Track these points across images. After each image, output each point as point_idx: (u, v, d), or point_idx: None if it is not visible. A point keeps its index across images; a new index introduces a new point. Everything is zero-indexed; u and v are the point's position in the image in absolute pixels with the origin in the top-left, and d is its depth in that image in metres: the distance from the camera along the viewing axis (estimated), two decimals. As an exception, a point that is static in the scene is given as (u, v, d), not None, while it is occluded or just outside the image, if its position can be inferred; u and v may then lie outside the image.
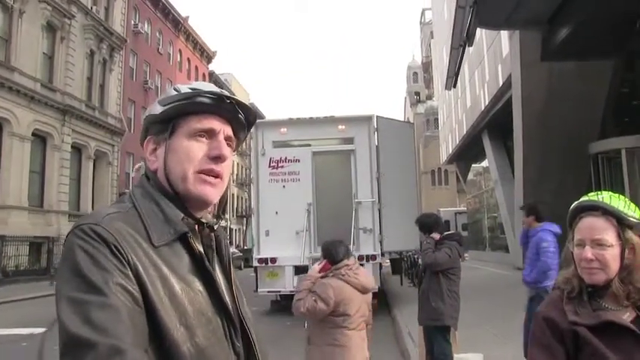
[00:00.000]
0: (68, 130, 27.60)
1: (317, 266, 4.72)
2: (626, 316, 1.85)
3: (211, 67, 51.22)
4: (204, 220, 1.40)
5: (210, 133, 1.39)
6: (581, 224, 1.94)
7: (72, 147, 28.16)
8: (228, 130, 1.42)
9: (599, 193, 1.99)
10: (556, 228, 6.48)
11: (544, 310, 1.97)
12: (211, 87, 1.42)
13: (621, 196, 1.97)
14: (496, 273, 22.01)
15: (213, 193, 1.38)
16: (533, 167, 17.85)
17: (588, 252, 1.88)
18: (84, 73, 29.41)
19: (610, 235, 1.87)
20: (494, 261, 28.13)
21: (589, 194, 2.02)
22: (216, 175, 1.38)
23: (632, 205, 1.93)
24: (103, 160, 31.46)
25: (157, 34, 39.51)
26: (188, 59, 45.54)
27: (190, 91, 1.39)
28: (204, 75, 48.74)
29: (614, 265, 1.86)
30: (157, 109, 1.39)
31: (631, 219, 1.89)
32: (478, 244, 35.55)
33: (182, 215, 1.34)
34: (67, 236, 1.23)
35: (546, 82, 15.71)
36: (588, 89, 15.54)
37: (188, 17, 43.94)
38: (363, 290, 4.57)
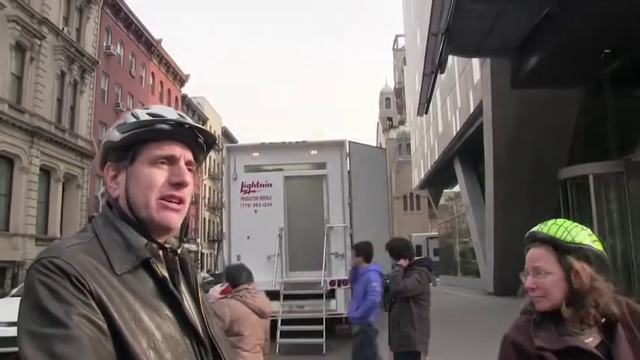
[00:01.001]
0: (37, 152, 27.11)
1: (219, 287, 4.87)
2: (591, 340, 1.88)
3: (184, 90, 51.11)
4: (167, 245, 1.40)
5: (171, 159, 1.39)
6: (527, 255, 2.01)
7: (40, 169, 27.65)
8: (188, 155, 1.42)
9: (543, 223, 2.02)
10: (381, 269, 7.30)
11: (511, 335, 1.99)
12: (169, 111, 1.42)
13: (566, 222, 1.99)
14: (468, 298, 22.10)
15: (175, 218, 1.38)
16: (503, 192, 18.07)
17: (528, 281, 1.96)
18: (54, 95, 28.96)
19: (548, 263, 1.92)
20: (465, 286, 28.29)
21: (545, 223, 2.05)
22: (179, 201, 1.38)
23: (575, 230, 1.95)
24: (72, 183, 30.96)
25: (130, 57, 39.31)
26: (161, 82, 45.36)
27: (149, 118, 1.39)
28: (176, 98, 48.56)
29: (557, 292, 1.90)
30: (116, 135, 1.38)
31: (569, 245, 1.91)
32: (450, 269, 35.74)
33: (145, 241, 1.34)
34: (27, 271, 1.22)
35: (516, 109, 15.98)
36: (557, 117, 15.85)
37: (161, 40, 43.87)
38: (260, 314, 4.69)
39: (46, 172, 28.52)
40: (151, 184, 1.35)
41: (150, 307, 1.27)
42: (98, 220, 1.37)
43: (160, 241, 1.38)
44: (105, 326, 1.16)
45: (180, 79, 49.64)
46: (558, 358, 1.82)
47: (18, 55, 26.40)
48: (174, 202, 1.37)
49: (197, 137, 1.44)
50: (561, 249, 1.91)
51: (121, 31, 37.76)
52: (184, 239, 1.48)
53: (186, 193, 1.40)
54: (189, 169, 1.42)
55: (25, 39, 26.27)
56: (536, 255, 1.96)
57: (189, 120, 1.42)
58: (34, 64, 27.12)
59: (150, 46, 42.27)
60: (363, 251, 7.40)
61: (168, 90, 46.85)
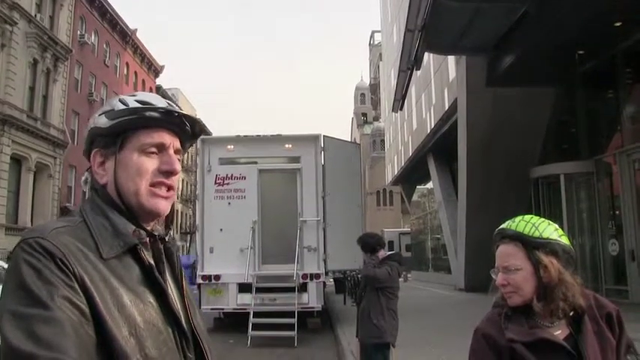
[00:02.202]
0: (7, 140, 26.70)
1: None
2: (559, 333, 1.93)
3: (158, 81, 50.64)
4: (155, 232, 1.40)
5: (160, 147, 1.39)
6: (497, 253, 2.04)
7: (11, 158, 27.25)
8: (176, 143, 1.43)
9: (511, 220, 2.06)
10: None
11: (483, 327, 2.03)
12: (158, 99, 1.43)
13: (533, 218, 2.03)
14: (438, 293, 22.28)
15: (165, 205, 1.40)
16: (476, 190, 18.22)
17: (499, 278, 1.99)
18: (26, 83, 28.52)
19: (518, 259, 1.96)
20: (436, 281, 28.51)
21: (510, 220, 2.08)
22: (168, 188, 1.40)
23: (543, 225, 1.98)
24: (44, 173, 30.56)
25: (104, 46, 38.81)
26: (135, 72, 44.87)
27: (139, 105, 1.39)
28: (151, 89, 48.03)
29: (528, 287, 1.94)
30: (104, 121, 1.38)
31: (537, 240, 1.95)
32: (421, 265, 35.97)
33: (133, 228, 1.34)
34: (13, 250, 1.22)
35: (491, 107, 16.12)
36: (530, 116, 16.04)
37: (136, 30, 43.36)
38: None
39: (17, 161, 28.13)
40: (141, 171, 1.36)
41: (134, 294, 1.27)
42: (86, 205, 1.37)
43: (147, 228, 1.39)
44: (87, 310, 1.16)
45: (154, 69, 49.17)
46: (528, 350, 1.86)
47: (-12, 42, 25.94)
48: (164, 190, 1.39)
49: (185, 126, 1.44)
50: (530, 244, 1.95)
51: (96, 20, 37.26)
52: (170, 227, 1.49)
53: (175, 180, 1.41)
54: (177, 158, 1.43)
55: (-5, 25, 25.79)
56: (505, 252, 1.99)
57: (178, 108, 1.43)
58: (4, 50, 26.64)
59: (125, 35, 41.79)
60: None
61: (143, 80, 46.37)
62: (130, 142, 1.37)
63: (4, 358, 1.08)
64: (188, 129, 1.45)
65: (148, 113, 1.38)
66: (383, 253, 6.40)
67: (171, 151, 1.41)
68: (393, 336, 6.13)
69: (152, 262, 1.35)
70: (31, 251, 1.17)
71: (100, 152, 1.39)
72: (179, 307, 1.40)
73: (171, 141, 1.41)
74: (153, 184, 1.37)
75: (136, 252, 1.32)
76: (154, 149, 1.38)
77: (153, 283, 1.33)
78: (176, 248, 1.49)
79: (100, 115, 1.40)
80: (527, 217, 2.04)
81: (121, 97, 1.43)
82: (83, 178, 1.47)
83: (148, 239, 1.37)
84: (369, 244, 6.54)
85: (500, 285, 1.98)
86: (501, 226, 2.07)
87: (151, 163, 1.37)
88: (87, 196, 1.42)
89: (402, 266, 6.53)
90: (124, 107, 1.38)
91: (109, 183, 1.38)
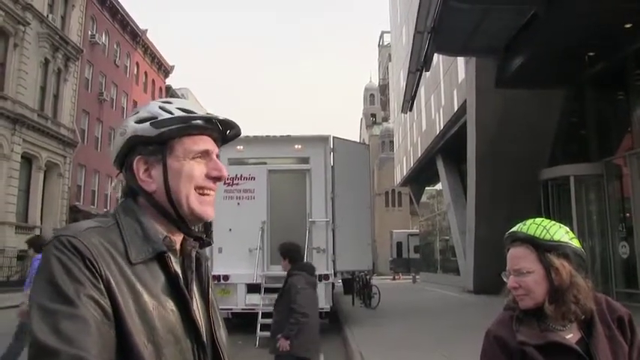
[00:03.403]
0: (19, 139, 26.88)
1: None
2: (571, 336, 1.94)
3: (168, 81, 50.82)
4: (201, 235, 1.47)
5: (205, 154, 1.43)
6: (508, 256, 2.05)
7: (22, 157, 27.43)
8: (217, 149, 1.47)
9: (522, 223, 2.06)
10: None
11: (494, 330, 2.03)
12: (195, 106, 1.47)
13: (544, 221, 2.03)
14: (447, 295, 22.23)
15: (212, 211, 1.45)
16: (485, 191, 18.18)
17: (511, 281, 1.99)
18: (37, 82, 28.73)
19: (529, 262, 1.96)
20: (445, 283, 28.43)
21: (525, 222, 2.08)
22: (210, 190, 1.44)
23: (554, 228, 1.99)
24: (54, 172, 30.73)
25: (115, 46, 39.01)
26: (145, 72, 45.04)
27: (184, 114, 1.42)
28: (160, 89, 48.27)
29: (539, 290, 1.94)
30: (149, 130, 1.39)
31: (548, 243, 1.96)
32: (430, 267, 35.91)
33: (164, 235, 1.37)
34: (46, 245, 1.24)
35: (500, 108, 16.08)
36: (540, 117, 15.99)
37: (146, 30, 43.54)
38: None
39: (27, 160, 28.30)
40: (192, 178, 1.40)
41: (156, 301, 1.29)
42: (119, 209, 1.40)
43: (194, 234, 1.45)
44: (110, 311, 1.19)
45: (164, 69, 49.34)
46: (540, 353, 1.87)
47: (1, 41, 26.13)
48: (212, 195, 1.45)
49: (224, 134, 1.49)
50: (541, 247, 1.95)
51: (107, 20, 37.46)
52: (210, 231, 1.54)
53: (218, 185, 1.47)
54: None
55: (8, 25, 25.98)
56: (517, 255, 2.00)
57: (217, 115, 1.46)
58: (17, 50, 26.85)
59: (135, 36, 41.97)
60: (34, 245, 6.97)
61: (153, 80, 46.55)
62: (176, 149, 1.40)
63: (29, 350, 1.13)
64: (227, 134, 1.51)
65: (194, 122, 1.41)
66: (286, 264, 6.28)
67: (215, 157, 1.45)
68: (307, 350, 6.00)
69: (179, 270, 1.38)
70: (63, 249, 1.21)
71: (143, 159, 1.41)
72: (202, 318, 1.42)
73: (214, 147, 1.46)
74: (202, 191, 1.42)
75: (163, 260, 1.34)
76: (200, 155, 1.42)
77: (177, 292, 1.35)
78: (205, 259, 1.52)
79: (137, 122, 1.41)
80: (538, 219, 2.05)
81: (160, 104, 1.45)
82: (113, 184, 1.50)
83: (179, 248, 1.42)
84: (291, 252, 6.49)
85: (511, 288, 1.99)
86: (512, 229, 2.07)
87: (199, 170, 1.41)
88: (123, 201, 1.44)
89: (312, 276, 6.43)
90: (171, 116, 1.41)
91: (158, 190, 1.40)
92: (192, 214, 1.40)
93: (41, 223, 28.42)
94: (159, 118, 1.40)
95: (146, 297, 1.27)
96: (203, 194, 1.42)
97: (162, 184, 1.39)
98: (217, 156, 1.47)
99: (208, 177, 1.42)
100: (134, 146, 1.41)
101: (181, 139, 1.40)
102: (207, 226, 1.52)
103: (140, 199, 1.41)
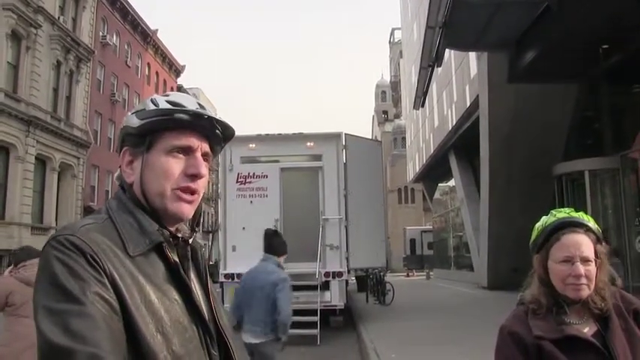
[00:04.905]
0: (32, 141, 27.05)
1: (9, 268, 5.63)
2: (587, 330, 1.93)
3: (180, 81, 50.96)
4: (179, 235, 1.42)
5: (188, 150, 1.39)
6: (565, 240, 1.96)
7: (36, 159, 27.59)
8: (205, 147, 1.42)
9: (567, 210, 2.03)
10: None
11: (509, 325, 2.02)
12: (189, 100, 1.42)
13: (586, 215, 2.04)
14: (461, 291, 22.18)
15: (188, 209, 1.39)
16: (499, 187, 18.10)
17: (581, 269, 1.91)
18: (50, 84, 28.87)
19: (591, 251, 1.94)
20: (459, 279, 28.37)
21: (557, 211, 2.05)
22: (192, 192, 1.39)
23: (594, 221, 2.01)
24: (67, 173, 30.91)
25: (126, 47, 39.14)
26: (157, 72, 45.19)
27: (169, 106, 1.38)
28: (172, 89, 48.33)
29: (594, 281, 1.93)
30: (134, 121, 1.38)
31: (599, 235, 1.98)
32: (443, 263, 35.83)
33: (157, 226, 1.36)
34: (43, 248, 1.24)
35: (513, 103, 16.00)
36: (553, 112, 15.87)
37: (157, 30, 43.65)
38: (31, 284, 5.23)
39: (41, 162, 28.47)
40: (167, 174, 1.36)
41: (160, 291, 1.29)
42: (112, 203, 1.39)
43: (172, 229, 1.40)
44: (117, 305, 1.18)
45: (175, 69, 49.49)
46: (557, 348, 1.86)
47: (14, 44, 26.32)
48: (188, 194, 1.38)
49: (215, 129, 1.43)
50: (598, 239, 1.97)
51: (117, 21, 37.59)
52: (196, 229, 1.50)
53: (201, 184, 1.41)
54: (205, 160, 1.42)
55: (20, 28, 26.16)
56: (582, 241, 1.95)
57: (208, 111, 1.41)
58: (29, 53, 27.03)
59: (146, 36, 42.10)
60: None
61: (164, 80, 46.69)
62: (158, 142, 1.37)
63: (40, 352, 1.11)
64: (219, 132, 1.44)
65: (177, 115, 1.37)
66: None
67: (198, 154, 1.40)
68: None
69: (177, 260, 1.37)
70: (62, 248, 1.20)
71: (129, 151, 1.40)
72: (204, 305, 1.42)
73: (199, 144, 1.40)
74: (178, 188, 1.36)
75: (161, 250, 1.34)
76: (181, 152, 1.38)
77: (178, 281, 1.35)
78: (200, 248, 1.50)
79: (132, 114, 1.41)
80: (580, 212, 2.05)
81: (154, 97, 1.43)
82: (116, 174, 1.48)
83: (172, 239, 1.39)
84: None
85: (579, 275, 1.91)
86: (562, 215, 2.04)
87: (177, 166, 1.37)
88: (114, 194, 1.43)
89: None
90: (155, 108, 1.38)
91: (135, 183, 1.39)
92: (164, 210, 1.36)
93: (56, 224, 28.59)
94: (145, 110, 1.39)
95: (150, 288, 1.27)
96: (181, 193, 1.37)
97: (139, 177, 1.37)
98: (206, 154, 1.42)
99: (186, 174, 1.37)
100: (124, 138, 1.41)
101: (164, 132, 1.37)
102: (193, 224, 1.48)
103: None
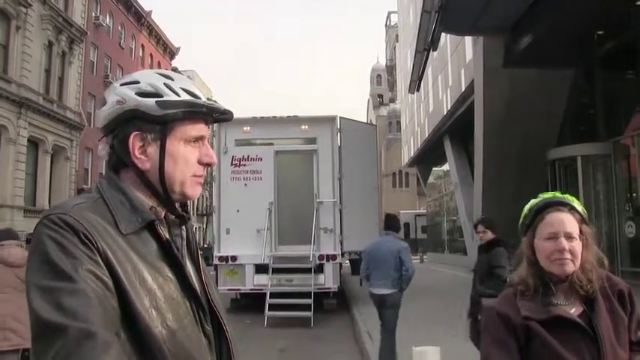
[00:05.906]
0: (24, 123, 26.78)
1: None
2: (574, 311, 1.98)
3: (174, 63, 50.64)
4: (183, 213, 1.47)
5: (199, 139, 1.45)
6: (550, 218, 2.03)
7: (28, 141, 27.35)
8: (208, 133, 1.50)
9: (555, 193, 2.09)
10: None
11: (498, 307, 2.06)
12: (193, 86, 1.45)
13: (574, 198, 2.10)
14: (455, 275, 22.29)
15: (199, 191, 1.47)
16: (492, 172, 18.12)
17: (565, 243, 1.97)
18: (42, 65, 28.49)
19: (576, 229, 2.00)
20: (452, 263, 28.50)
21: (545, 194, 2.10)
22: (201, 176, 1.47)
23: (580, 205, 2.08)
24: (60, 155, 30.70)
25: (119, 28, 38.79)
26: (151, 54, 44.86)
27: (190, 98, 1.41)
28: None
29: (579, 257, 1.99)
30: (154, 109, 1.36)
31: (584, 215, 2.04)
32: (437, 247, 36.00)
33: (150, 205, 1.39)
34: (35, 227, 1.25)
35: (508, 88, 15.97)
36: (548, 97, 15.86)
37: (151, 11, 43.28)
38: (5, 263, 5.51)
39: (34, 144, 28.27)
40: (188, 162, 1.41)
41: (153, 268, 1.31)
42: (102, 182, 1.40)
43: (178, 210, 1.47)
44: (110, 283, 1.20)
45: (170, 51, 49.14)
46: (544, 328, 1.91)
47: (3, 24, 25.84)
48: (201, 178, 1.46)
49: (217, 118, 1.49)
50: (583, 219, 2.03)
51: (110, 2, 37.20)
52: (187, 210, 1.53)
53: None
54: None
55: (9, 6, 25.68)
56: (566, 219, 2.01)
57: (220, 105, 1.47)
58: (20, 33, 26.58)
59: (140, 17, 41.73)
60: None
61: (159, 62, 46.33)
62: (176, 131, 1.40)
63: (33, 330, 1.13)
64: (218, 117, 1.49)
65: (199, 109, 1.41)
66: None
67: (207, 142, 1.46)
68: None
69: (169, 237, 1.39)
70: (55, 227, 1.21)
71: (140, 136, 1.38)
72: (196, 282, 1.45)
73: (207, 133, 1.48)
74: (194, 175, 1.43)
75: (153, 228, 1.36)
76: (194, 140, 1.43)
77: (170, 259, 1.38)
78: (191, 227, 1.53)
79: (139, 94, 1.37)
80: (567, 195, 2.11)
81: (164, 80, 1.41)
82: (104, 152, 1.45)
83: (164, 217, 1.43)
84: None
85: (563, 249, 1.97)
86: (548, 196, 2.11)
87: (193, 154, 1.43)
88: (104, 174, 1.45)
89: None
90: (178, 98, 1.39)
91: (152, 169, 1.39)
92: (183, 195, 1.43)
93: (49, 207, 28.47)
94: (164, 98, 1.38)
95: (142, 265, 1.29)
96: (199, 179, 1.45)
97: (157, 165, 1.38)
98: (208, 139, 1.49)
99: (200, 163, 1.44)
100: (131, 119, 1.38)
101: (183, 122, 1.40)
102: (185, 205, 1.51)
103: (124, 172, 1.41)
